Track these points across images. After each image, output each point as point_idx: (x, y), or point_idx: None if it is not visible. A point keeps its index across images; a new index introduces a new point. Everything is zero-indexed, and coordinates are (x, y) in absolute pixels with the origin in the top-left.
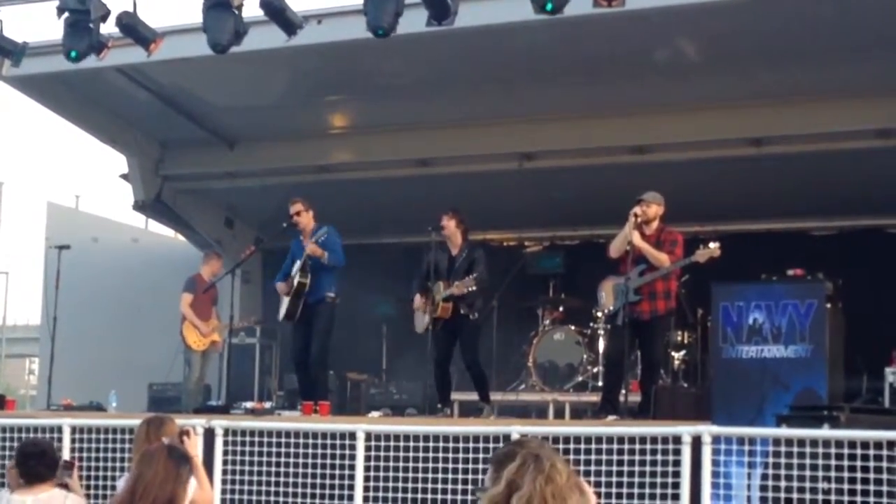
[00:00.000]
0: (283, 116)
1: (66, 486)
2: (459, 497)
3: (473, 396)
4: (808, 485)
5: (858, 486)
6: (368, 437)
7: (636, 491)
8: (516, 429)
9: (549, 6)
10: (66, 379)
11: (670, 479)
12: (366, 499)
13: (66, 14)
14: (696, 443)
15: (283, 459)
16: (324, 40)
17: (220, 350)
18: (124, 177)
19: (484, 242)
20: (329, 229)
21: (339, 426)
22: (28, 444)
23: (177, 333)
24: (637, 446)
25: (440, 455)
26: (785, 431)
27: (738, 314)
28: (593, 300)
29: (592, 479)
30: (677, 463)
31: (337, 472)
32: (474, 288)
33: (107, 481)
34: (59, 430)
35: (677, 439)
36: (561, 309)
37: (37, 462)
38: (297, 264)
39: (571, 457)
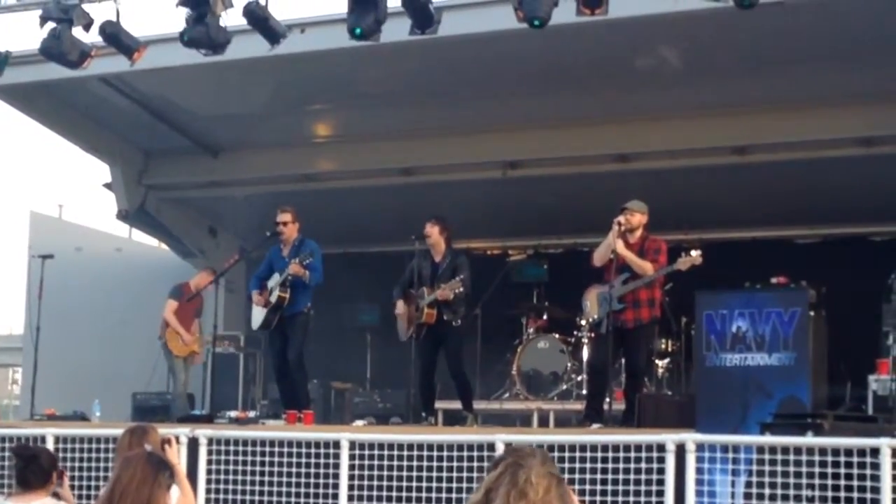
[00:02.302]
0: (268, 125)
1: (57, 496)
2: None
3: (458, 405)
4: (791, 492)
5: (842, 494)
6: (353, 445)
7: (620, 499)
8: (500, 437)
9: (536, 22)
10: (49, 388)
11: (654, 487)
12: None
13: (50, 23)
14: (681, 451)
15: (267, 468)
16: (307, 49)
17: (201, 361)
18: (108, 186)
19: (468, 250)
20: (315, 250)
21: (324, 435)
22: (19, 448)
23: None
24: (621, 454)
25: (424, 464)
26: (769, 439)
27: (721, 322)
28: (577, 308)
29: (577, 487)
30: (661, 471)
31: (321, 480)
32: (461, 289)
33: (91, 490)
34: (43, 439)
35: (661, 447)
36: (545, 317)
37: (24, 466)
38: (277, 278)
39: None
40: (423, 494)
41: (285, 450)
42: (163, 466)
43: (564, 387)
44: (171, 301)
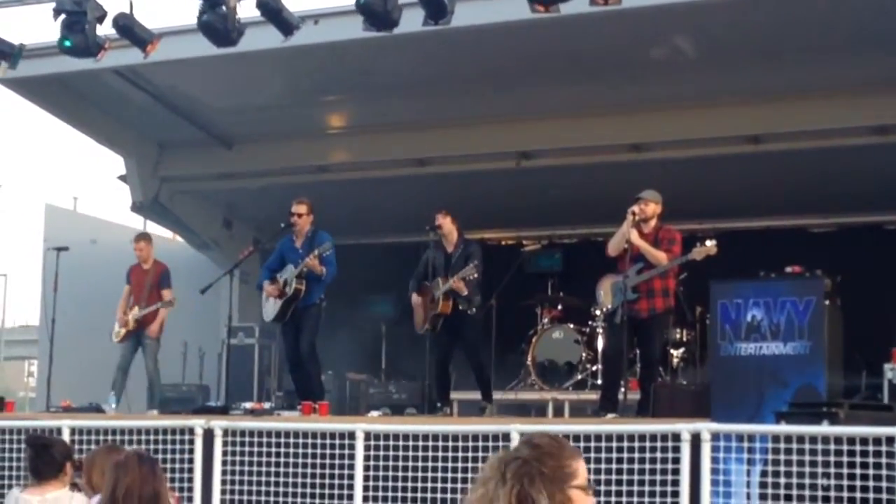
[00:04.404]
0: (281, 117)
1: (76, 487)
2: (459, 496)
3: (473, 395)
4: (807, 481)
5: (858, 483)
6: (368, 436)
7: (636, 489)
8: (515, 427)
9: None
10: (64, 381)
11: (670, 477)
12: (365, 498)
13: (63, 15)
14: (696, 440)
15: (282, 460)
16: (321, 40)
17: (155, 334)
18: (122, 178)
19: (482, 241)
20: (332, 245)
21: (339, 426)
22: (31, 438)
23: (175, 334)
24: (636, 444)
25: (440, 454)
26: (784, 428)
27: (736, 311)
28: (592, 298)
29: (592, 477)
30: (677, 460)
31: (336, 472)
32: (476, 275)
33: None
34: (59, 431)
35: (676, 437)
36: (560, 307)
37: (36, 456)
38: (292, 269)
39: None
40: (439, 485)
41: (300, 440)
42: (155, 462)
43: (579, 377)
44: (125, 287)
